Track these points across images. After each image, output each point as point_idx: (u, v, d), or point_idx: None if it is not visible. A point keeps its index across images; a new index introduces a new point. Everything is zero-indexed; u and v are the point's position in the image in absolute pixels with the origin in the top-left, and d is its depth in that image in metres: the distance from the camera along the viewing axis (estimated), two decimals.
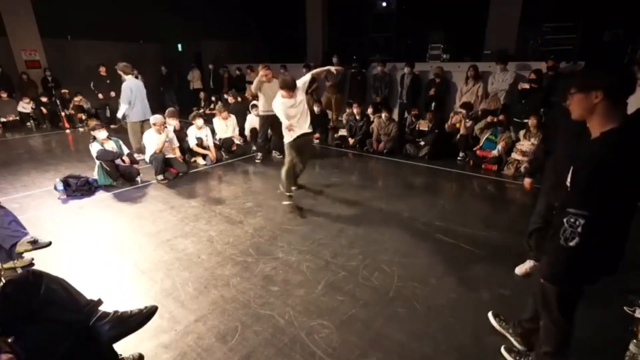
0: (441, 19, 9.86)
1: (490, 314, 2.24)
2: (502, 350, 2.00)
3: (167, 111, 5.77)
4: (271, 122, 5.83)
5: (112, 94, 8.67)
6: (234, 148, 6.40)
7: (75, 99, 9.52)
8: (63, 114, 8.94)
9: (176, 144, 5.55)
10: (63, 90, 9.47)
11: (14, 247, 2.80)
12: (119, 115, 6.16)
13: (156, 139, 5.11)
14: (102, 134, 4.72)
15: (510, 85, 6.13)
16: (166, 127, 5.30)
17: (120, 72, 5.87)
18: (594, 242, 1.40)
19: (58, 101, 9.01)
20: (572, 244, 1.39)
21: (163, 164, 5.03)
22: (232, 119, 6.56)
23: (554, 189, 2.33)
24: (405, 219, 3.80)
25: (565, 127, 2.15)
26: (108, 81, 8.79)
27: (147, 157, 5.22)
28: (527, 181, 2.82)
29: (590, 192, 1.39)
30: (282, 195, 4.42)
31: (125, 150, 4.97)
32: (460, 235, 3.39)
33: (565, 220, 1.41)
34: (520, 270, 2.78)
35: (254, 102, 6.71)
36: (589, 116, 1.47)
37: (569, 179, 1.48)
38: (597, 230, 1.39)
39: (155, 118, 5.17)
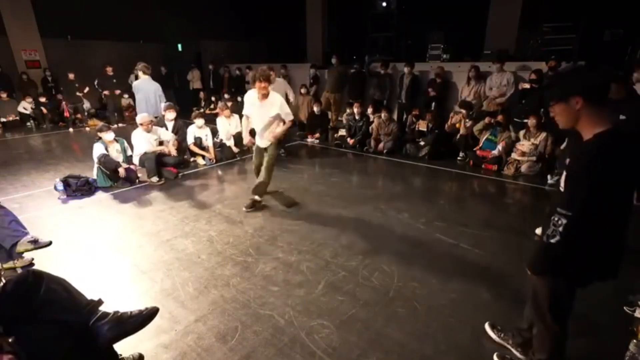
0: (441, 19, 9.86)
1: (487, 326, 2.14)
2: (495, 357, 1.95)
3: (164, 105, 5.76)
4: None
5: (117, 91, 9.50)
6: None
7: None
8: (66, 108, 9.08)
9: (172, 137, 5.39)
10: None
11: (14, 247, 2.80)
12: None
13: (145, 137, 4.98)
14: (108, 135, 4.70)
15: (509, 88, 6.11)
16: (153, 126, 5.17)
17: (139, 72, 5.90)
18: (575, 242, 1.41)
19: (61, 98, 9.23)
20: (553, 241, 1.42)
21: (156, 164, 4.89)
22: (235, 117, 6.56)
23: None
24: (405, 218, 3.80)
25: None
26: (114, 80, 9.32)
27: (135, 159, 5.02)
28: None
29: (576, 192, 1.39)
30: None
31: (129, 152, 4.98)
32: (460, 235, 3.39)
33: (552, 218, 1.44)
34: None
35: None
36: (576, 124, 1.44)
37: (562, 183, 1.48)
38: (579, 232, 1.39)
39: (142, 118, 5.02)
